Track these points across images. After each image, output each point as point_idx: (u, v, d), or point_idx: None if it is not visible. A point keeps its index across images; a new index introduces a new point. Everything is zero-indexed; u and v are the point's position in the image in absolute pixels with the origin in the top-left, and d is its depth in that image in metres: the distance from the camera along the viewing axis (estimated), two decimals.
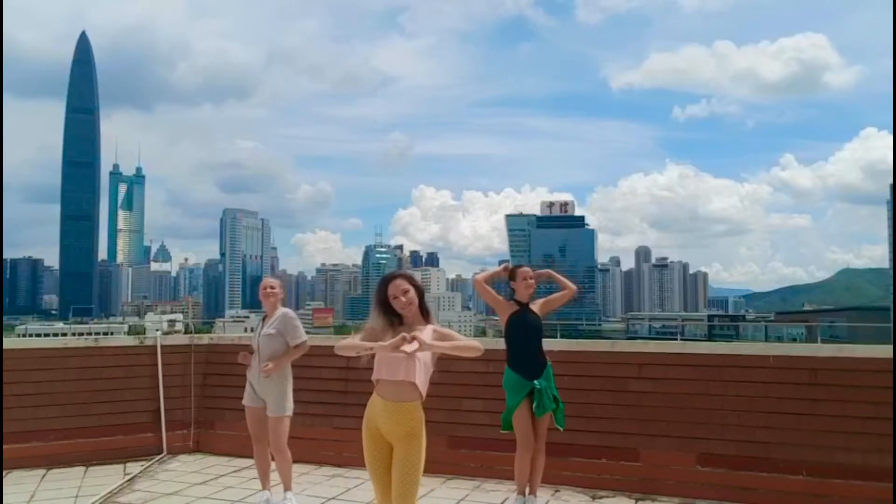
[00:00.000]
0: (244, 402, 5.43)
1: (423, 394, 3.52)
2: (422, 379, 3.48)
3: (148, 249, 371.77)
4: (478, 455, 6.28)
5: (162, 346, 7.42)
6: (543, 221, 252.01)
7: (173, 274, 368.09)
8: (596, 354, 6.29)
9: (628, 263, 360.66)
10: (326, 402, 6.75)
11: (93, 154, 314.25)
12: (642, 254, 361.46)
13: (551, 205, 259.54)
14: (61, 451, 6.80)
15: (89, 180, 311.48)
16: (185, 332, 9.38)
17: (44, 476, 6.46)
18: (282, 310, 5.44)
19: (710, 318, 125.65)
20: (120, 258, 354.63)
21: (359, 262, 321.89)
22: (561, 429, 5.21)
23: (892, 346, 5.34)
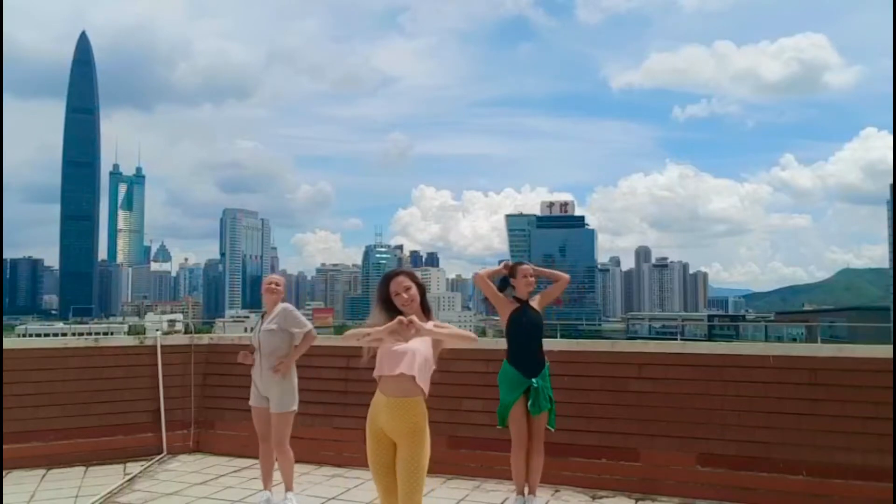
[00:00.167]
0: (251, 402, 5.42)
1: (426, 390, 3.49)
2: (423, 374, 3.46)
3: (148, 249, 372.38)
4: (478, 455, 6.27)
5: (162, 346, 7.41)
6: (543, 221, 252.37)
7: (173, 274, 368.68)
8: (596, 354, 6.29)
9: (628, 263, 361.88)
10: (326, 402, 6.74)
11: (93, 154, 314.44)
12: (642, 254, 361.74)
13: (551, 205, 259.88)
14: (61, 451, 6.80)
15: (89, 180, 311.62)
16: (185, 332, 9.40)
17: (44, 476, 6.45)
18: (281, 305, 5.45)
19: (710, 318, 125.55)
20: (120, 258, 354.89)
21: (359, 262, 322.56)
22: (552, 429, 5.21)
23: (892, 346, 5.33)
